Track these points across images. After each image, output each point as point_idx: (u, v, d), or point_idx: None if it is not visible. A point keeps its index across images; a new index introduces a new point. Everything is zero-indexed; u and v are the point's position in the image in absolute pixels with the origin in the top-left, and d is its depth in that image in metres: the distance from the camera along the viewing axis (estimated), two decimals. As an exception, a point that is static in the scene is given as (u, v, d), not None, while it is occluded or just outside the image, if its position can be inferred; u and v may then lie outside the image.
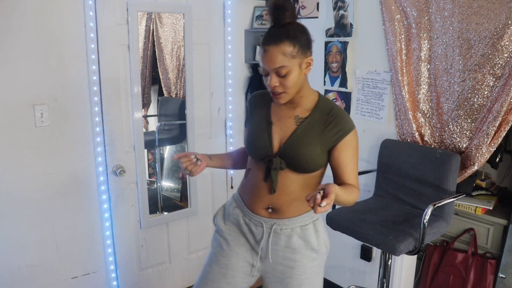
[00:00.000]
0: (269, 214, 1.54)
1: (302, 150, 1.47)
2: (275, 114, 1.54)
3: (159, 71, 2.96)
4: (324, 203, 1.21)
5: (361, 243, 2.64)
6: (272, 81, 1.41)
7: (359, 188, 1.54)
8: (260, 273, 1.63)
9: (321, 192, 1.25)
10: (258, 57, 1.52)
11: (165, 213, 2.86)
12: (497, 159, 2.25)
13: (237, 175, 3.03)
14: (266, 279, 1.62)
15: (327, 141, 1.48)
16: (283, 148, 1.48)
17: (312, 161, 1.50)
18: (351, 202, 1.50)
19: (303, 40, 1.41)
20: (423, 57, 2.20)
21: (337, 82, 2.64)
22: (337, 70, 2.62)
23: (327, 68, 2.68)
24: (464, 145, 2.13)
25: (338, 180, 1.54)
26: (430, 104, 2.23)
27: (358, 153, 1.52)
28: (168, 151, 3.25)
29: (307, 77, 1.50)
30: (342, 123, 1.47)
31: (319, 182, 1.58)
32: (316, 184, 1.56)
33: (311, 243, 1.60)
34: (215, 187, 2.97)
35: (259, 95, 1.62)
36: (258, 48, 2.93)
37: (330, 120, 1.47)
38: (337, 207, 2.34)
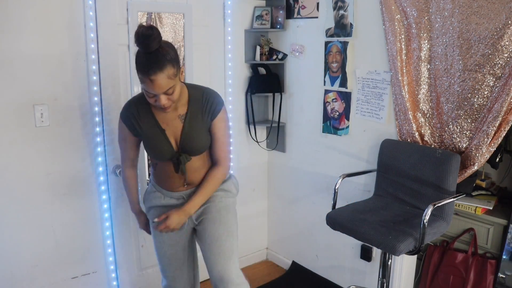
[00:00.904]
0: (185, 188, 1.89)
1: (196, 140, 1.79)
2: (163, 121, 1.79)
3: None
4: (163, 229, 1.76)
5: (361, 243, 2.64)
6: (163, 101, 1.64)
7: (226, 162, 1.88)
8: (190, 227, 1.97)
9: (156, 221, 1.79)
10: (142, 87, 1.64)
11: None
12: (497, 159, 2.25)
13: (237, 176, 3.03)
14: (196, 220, 1.93)
15: (206, 122, 1.80)
16: (182, 145, 1.79)
17: (205, 144, 1.83)
18: (217, 186, 1.88)
19: (176, 57, 1.63)
20: (423, 57, 2.20)
21: (337, 82, 2.64)
22: (337, 70, 2.63)
23: (327, 68, 2.68)
24: (464, 145, 2.13)
25: (211, 151, 1.87)
26: (430, 104, 2.23)
27: (229, 127, 1.89)
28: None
29: None
30: (214, 105, 1.79)
31: (208, 158, 1.90)
32: (208, 153, 1.88)
33: (224, 201, 1.93)
34: (215, 187, 2.97)
35: (134, 106, 1.81)
36: (258, 48, 2.93)
37: (204, 105, 1.78)
38: (337, 207, 2.34)
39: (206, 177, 1.86)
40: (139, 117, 1.80)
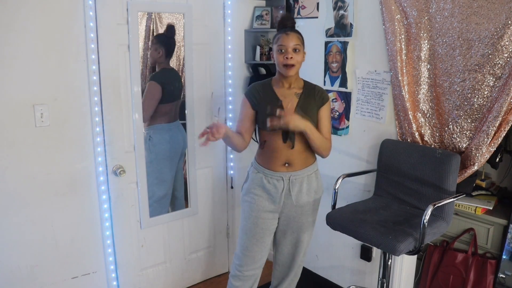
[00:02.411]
0: (286, 168, 2.14)
1: (309, 113, 2.10)
2: (280, 95, 2.13)
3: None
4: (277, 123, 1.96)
5: (361, 243, 2.64)
6: (289, 54, 2.04)
7: (330, 141, 2.20)
8: (279, 216, 2.22)
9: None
10: (276, 46, 2.08)
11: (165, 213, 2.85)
12: (497, 159, 2.25)
13: (237, 176, 3.03)
14: (284, 220, 2.23)
15: (317, 105, 2.14)
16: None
17: (314, 119, 2.13)
18: (321, 144, 2.13)
19: (303, 40, 2.14)
20: (423, 57, 2.20)
21: (337, 82, 2.64)
22: (337, 70, 2.62)
23: (327, 68, 2.68)
24: (464, 145, 2.13)
25: (319, 126, 2.16)
26: (430, 104, 2.23)
27: (330, 116, 2.27)
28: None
29: None
30: (324, 95, 2.17)
31: (311, 151, 2.19)
32: (310, 151, 2.18)
33: (314, 187, 2.22)
34: (215, 187, 2.97)
35: (259, 86, 2.17)
36: (258, 48, 2.93)
37: (317, 93, 2.15)
38: (337, 207, 2.34)
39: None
40: (261, 92, 2.15)
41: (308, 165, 2.18)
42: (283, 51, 2.04)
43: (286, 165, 2.13)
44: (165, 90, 2.69)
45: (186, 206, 2.87)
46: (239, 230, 2.30)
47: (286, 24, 2.10)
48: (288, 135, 2.08)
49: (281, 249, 2.32)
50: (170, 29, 2.62)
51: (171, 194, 2.88)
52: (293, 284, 2.47)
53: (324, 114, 2.15)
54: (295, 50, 2.05)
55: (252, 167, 2.25)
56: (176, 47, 2.74)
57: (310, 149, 2.16)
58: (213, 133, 1.90)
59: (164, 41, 2.63)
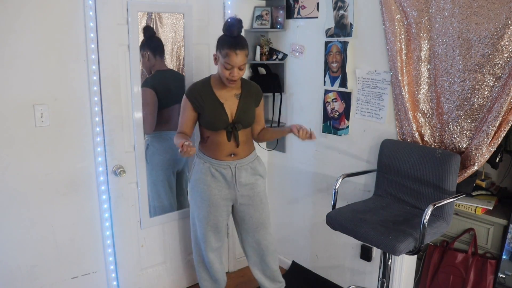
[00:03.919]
0: (231, 158, 2.32)
1: (248, 113, 2.31)
2: (221, 97, 2.26)
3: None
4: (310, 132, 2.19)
5: (361, 243, 2.64)
6: (236, 73, 2.16)
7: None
8: (232, 200, 2.39)
9: (309, 129, 2.19)
10: (222, 61, 2.16)
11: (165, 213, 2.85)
12: (497, 159, 2.25)
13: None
14: (238, 201, 2.39)
15: (255, 103, 2.36)
16: (237, 117, 2.27)
17: (253, 119, 2.36)
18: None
19: (248, 49, 2.20)
20: (423, 57, 2.20)
21: (337, 82, 2.64)
22: (337, 70, 2.63)
23: (327, 68, 2.68)
24: (464, 145, 2.13)
25: (257, 124, 2.43)
26: (430, 104, 2.23)
27: (263, 112, 2.48)
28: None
29: None
30: (259, 91, 2.38)
31: (250, 138, 2.42)
32: (250, 130, 2.39)
33: (259, 171, 2.42)
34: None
35: (199, 87, 2.27)
36: (258, 48, 2.93)
37: (253, 90, 2.34)
38: (337, 207, 2.34)
39: (264, 132, 2.46)
40: (201, 93, 2.24)
41: (251, 152, 2.39)
42: (229, 68, 2.14)
43: (232, 155, 2.31)
44: (160, 94, 2.67)
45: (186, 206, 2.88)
46: (194, 220, 2.46)
47: (233, 33, 2.14)
48: (232, 134, 2.27)
49: (246, 237, 2.50)
50: (146, 30, 2.58)
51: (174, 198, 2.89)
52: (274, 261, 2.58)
53: (260, 109, 2.42)
54: (240, 68, 2.16)
55: (197, 158, 2.38)
56: (164, 45, 2.71)
57: (251, 139, 2.41)
58: (187, 152, 2.01)
59: (146, 44, 2.58)
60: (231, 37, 2.13)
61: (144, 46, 2.55)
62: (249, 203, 2.39)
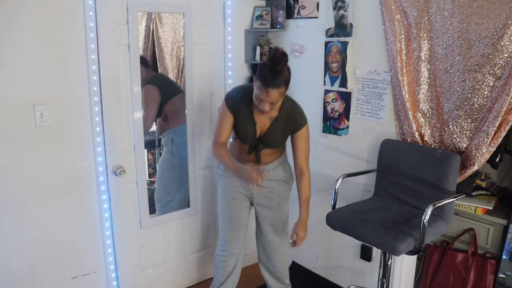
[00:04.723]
0: (252, 163, 2.26)
1: (274, 138, 2.24)
2: (256, 115, 2.20)
3: (159, 71, 2.95)
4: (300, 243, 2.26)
5: (361, 243, 2.64)
6: (266, 108, 2.06)
7: (308, 169, 2.28)
8: (249, 198, 2.40)
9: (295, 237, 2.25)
10: (255, 91, 2.05)
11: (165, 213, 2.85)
12: (497, 159, 2.25)
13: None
14: (255, 201, 2.39)
15: (287, 132, 2.23)
16: (263, 138, 2.24)
17: (280, 144, 2.29)
18: (310, 194, 2.31)
19: (289, 80, 2.05)
20: (423, 57, 2.20)
21: (337, 82, 2.64)
22: (337, 70, 2.62)
23: (327, 68, 2.68)
24: (464, 145, 2.13)
25: (294, 155, 2.28)
26: (430, 104, 2.23)
27: (309, 140, 2.28)
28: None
29: None
30: (299, 121, 2.21)
31: (282, 148, 2.35)
32: (279, 149, 2.33)
33: (281, 177, 2.35)
34: (215, 188, 2.97)
35: (239, 98, 2.19)
36: (258, 48, 2.93)
37: (290, 119, 2.20)
38: (337, 207, 2.34)
39: (301, 190, 2.29)
40: (240, 105, 2.19)
41: (275, 159, 2.33)
42: (259, 100, 2.05)
43: (252, 162, 2.28)
44: (162, 89, 2.72)
45: (186, 206, 2.87)
46: (218, 211, 2.48)
47: (276, 67, 1.95)
48: (254, 151, 2.25)
49: (259, 235, 2.49)
50: None
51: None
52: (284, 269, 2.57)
53: (299, 140, 2.24)
54: (272, 103, 2.05)
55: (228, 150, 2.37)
56: (164, 45, 2.76)
57: (278, 151, 2.31)
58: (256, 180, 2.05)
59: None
60: (270, 71, 1.96)
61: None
62: (266, 205, 2.38)
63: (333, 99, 2.69)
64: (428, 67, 2.20)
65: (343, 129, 2.66)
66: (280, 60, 1.94)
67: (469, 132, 2.10)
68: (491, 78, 1.98)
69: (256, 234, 2.52)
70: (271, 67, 1.95)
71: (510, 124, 1.95)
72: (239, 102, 2.19)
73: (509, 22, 1.88)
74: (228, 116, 2.20)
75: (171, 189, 2.73)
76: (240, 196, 2.37)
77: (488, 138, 1.99)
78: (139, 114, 2.49)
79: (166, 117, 2.70)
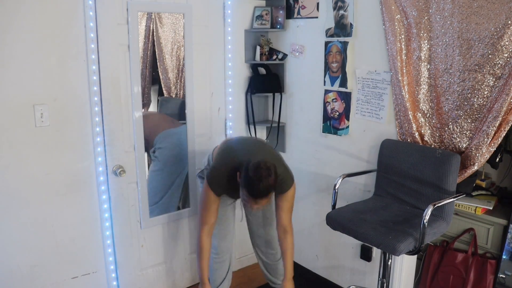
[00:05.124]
0: None
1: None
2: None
3: (159, 71, 2.95)
4: None
5: (361, 243, 2.64)
6: (255, 208, 2.09)
7: (291, 228, 2.26)
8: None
9: None
10: (242, 195, 2.02)
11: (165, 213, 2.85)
12: (497, 159, 2.25)
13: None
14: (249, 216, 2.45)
15: (275, 194, 2.15)
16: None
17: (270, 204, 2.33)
18: (293, 253, 2.33)
19: (277, 182, 1.97)
20: (423, 57, 2.20)
21: (337, 82, 2.64)
22: (337, 70, 2.63)
23: (327, 68, 2.68)
24: (464, 145, 2.13)
25: (277, 214, 2.24)
26: (430, 104, 2.23)
27: (294, 198, 2.21)
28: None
29: None
30: (284, 186, 2.12)
31: None
32: None
33: None
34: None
35: (223, 184, 2.11)
36: (258, 48, 2.93)
37: (278, 182, 2.01)
38: (337, 207, 2.34)
39: (285, 248, 2.27)
40: (225, 191, 2.16)
41: None
42: (246, 203, 2.06)
43: None
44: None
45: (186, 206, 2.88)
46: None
47: (263, 184, 1.91)
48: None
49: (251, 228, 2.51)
50: None
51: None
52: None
53: (284, 202, 2.17)
54: (261, 206, 2.04)
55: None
56: (164, 45, 2.78)
57: None
58: None
59: None
60: (257, 186, 1.91)
61: None
62: (254, 213, 2.44)
63: (333, 99, 2.69)
64: (428, 67, 2.20)
65: (343, 129, 2.66)
66: (266, 176, 1.90)
67: (469, 132, 2.10)
68: (491, 78, 1.98)
69: (248, 227, 2.56)
70: (257, 180, 1.90)
71: (510, 124, 1.95)
72: (224, 188, 2.14)
73: (509, 22, 1.88)
74: (214, 199, 2.14)
75: (158, 191, 2.74)
76: (228, 205, 2.37)
77: (488, 138, 1.99)
78: (139, 114, 2.49)
79: (147, 141, 2.69)
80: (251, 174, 1.90)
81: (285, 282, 2.33)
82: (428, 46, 2.18)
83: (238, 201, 2.47)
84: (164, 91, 3.02)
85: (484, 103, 2.02)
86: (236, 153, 2.12)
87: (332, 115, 2.71)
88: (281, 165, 2.14)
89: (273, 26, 2.92)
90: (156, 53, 2.92)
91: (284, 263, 2.32)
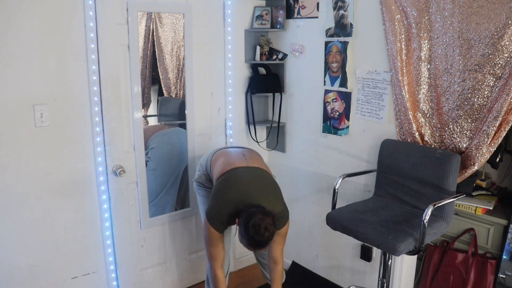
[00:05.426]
0: None
1: None
2: None
3: (159, 71, 2.95)
4: None
5: (361, 243, 2.64)
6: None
7: (282, 261, 2.27)
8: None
9: None
10: (242, 240, 2.03)
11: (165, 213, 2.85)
12: (497, 159, 2.25)
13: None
14: None
15: None
16: None
17: None
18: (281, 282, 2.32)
19: (275, 230, 2.00)
20: (423, 57, 2.20)
21: (337, 82, 2.64)
22: (337, 70, 2.62)
23: (327, 68, 2.68)
24: (464, 145, 2.12)
25: (270, 247, 2.20)
26: (430, 104, 2.23)
27: (286, 234, 2.21)
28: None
29: None
30: (279, 224, 2.10)
31: None
32: None
33: None
34: (215, 187, 2.97)
35: (224, 220, 2.09)
36: (258, 48, 2.93)
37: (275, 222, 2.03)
38: (337, 207, 2.34)
39: (275, 278, 2.28)
40: (228, 225, 2.16)
41: None
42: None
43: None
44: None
45: (186, 206, 2.87)
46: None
47: (263, 240, 1.95)
48: None
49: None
50: None
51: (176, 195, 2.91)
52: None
53: (278, 237, 2.14)
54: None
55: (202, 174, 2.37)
56: (164, 45, 2.77)
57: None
58: None
59: None
60: (255, 236, 1.94)
61: None
62: None
63: (333, 99, 2.69)
64: (428, 67, 2.20)
65: (343, 129, 2.66)
66: (264, 233, 1.93)
67: (469, 132, 2.10)
68: (491, 78, 1.98)
69: None
70: (256, 233, 1.92)
71: (510, 124, 1.95)
72: (226, 225, 2.14)
73: (510, 22, 1.88)
74: (218, 236, 2.13)
75: (153, 190, 2.74)
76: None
77: (488, 138, 1.99)
78: (139, 114, 2.49)
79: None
80: (251, 234, 1.93)
81: None
82: (428, 46, 2.18)
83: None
84: (164, 91, 3.02)
85: (485, 103, 2.02)
86: (234, 195, 2.09)
87: (332, 115, 2.71)
88: (279, 203, 2.15)
89: (273, 26, 2.92)
90: (156, 53, 2.91)
91: None
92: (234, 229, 2.51)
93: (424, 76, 2.22)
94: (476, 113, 2.06)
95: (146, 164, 2.65)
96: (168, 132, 2.84)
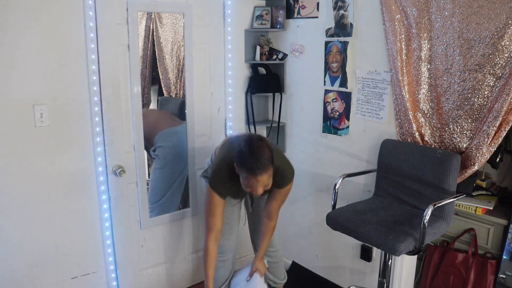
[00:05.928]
0: None
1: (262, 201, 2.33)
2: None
3: (159, 71, 2.95)
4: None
5: (361, 243, 2.64)
6: (260, 192, 1.92)
7: (277, 217, 2.29)
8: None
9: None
10: (243, 181, 1.95)
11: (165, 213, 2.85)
12: (498, 159, 2.25)
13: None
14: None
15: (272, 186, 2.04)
16: (255, 201, 2.39)
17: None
18: (271, 236, 2.37)
19: (273, 158, 1.92)
20: (423, 57, 2.20)
21: (337, 82, 2.63)
22: (337, 70, 2.62)
23: (327, 68, 2.68)
24: (465, 145, 2.12)
25: (268, 202, 2.24)
26: (430, 104, 2.23)
27: (287, 194, 2.22)
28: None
29: None
30: (283, 181, 2.11)
31: None
32: None
33: None
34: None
35: (224, 180, 2.07)
36: (258, 48, 2.93)
37: (278, 175, 2.05)
38: (337, 207, 2.34)
39: (264, 231, 2.31)
40: (228, 186, 2.10)
41: None
42: (250, 188, 1.94)
43: None
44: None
45: (186, 206, 2.87)
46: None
47: (256, 151, 1.88)
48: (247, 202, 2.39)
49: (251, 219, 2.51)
50: None
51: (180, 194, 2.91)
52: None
53: (279, 195, 2.16)
54: (265, 186, 1.94)
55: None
56: (164, 45, 2.78)
57: None
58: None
59: None
60: (251, 157, 1.86)
61: None
62: (260, 202, 2.40)
63: (333, 99, 2.69)
64: (428, 67, 2.20)
65: (343, 129, 2.66)
66: (258, 142, 1.90)
67: (469, 132, 2.10)
68: (491, 78, 1.98)
69: (249, 229, 2.56)
70: (251, 152, 1.86)
71: (510, 124, 1.95)
72: (225, 184, 2.09)
73: (510, 22, 1.87)
74: (219, 202, 2.10)
75: (158, 189, 2.74)
76: (232, 205, 2.35)
77: (488, 138, 1.99)
78: (138, 114, 2.49)
79: (147, 140, 2.69)
80: (245, 149, 1.87)
81: (258, 261, 2.34)
82: (428, 46, 2.18)
83: (243, 203, 2.48)
84: (164, 91, 3.02)
85: (485, 103, 2.02)
86: (230, 154, 2.05)
87: (332, 115, 2.71)
88: (282, 161, 2.13)
89: (273, 26, 2.91)
90: (156, 53, 2.91)
91: (260, 242, 2.32)
92: (243, 219, 2.55)
93: (424, 76, 2.22)
94: (476, 113, 2.06)
95: (150, 162, 2.65)
96: (178, 130, 2.81)
